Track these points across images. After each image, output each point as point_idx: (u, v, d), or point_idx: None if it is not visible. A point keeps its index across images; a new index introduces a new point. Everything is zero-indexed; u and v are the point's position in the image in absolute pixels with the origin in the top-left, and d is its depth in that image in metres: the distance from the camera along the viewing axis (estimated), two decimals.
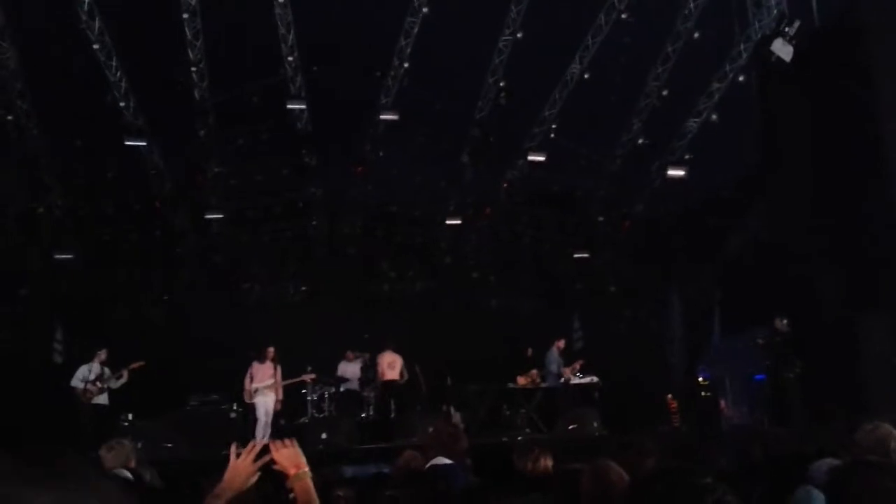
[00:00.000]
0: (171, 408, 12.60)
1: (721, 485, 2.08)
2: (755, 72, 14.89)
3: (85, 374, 11.92)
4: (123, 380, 12.06)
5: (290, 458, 3.39)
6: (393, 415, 12.78)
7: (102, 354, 12.15)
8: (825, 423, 9.93)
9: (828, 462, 4.91)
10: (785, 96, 13.61)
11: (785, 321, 12.06)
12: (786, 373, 11.77)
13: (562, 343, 13.34)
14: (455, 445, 5.27)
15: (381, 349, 13.42)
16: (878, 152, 11.96)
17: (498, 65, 16.17)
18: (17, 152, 15.63)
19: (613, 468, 4.08)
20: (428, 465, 5.15)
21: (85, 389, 11.80)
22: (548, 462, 5.56)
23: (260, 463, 3.43)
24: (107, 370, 12.07)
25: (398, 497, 4.63)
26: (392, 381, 13.06)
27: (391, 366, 13.14)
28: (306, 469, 3.34)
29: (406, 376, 13.21)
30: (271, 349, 12.29)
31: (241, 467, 3.31)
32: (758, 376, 13.22)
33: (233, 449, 3.38)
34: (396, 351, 13.33)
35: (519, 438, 11.04)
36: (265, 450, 3.50)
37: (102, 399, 11.95)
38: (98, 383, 11.89)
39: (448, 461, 5.04)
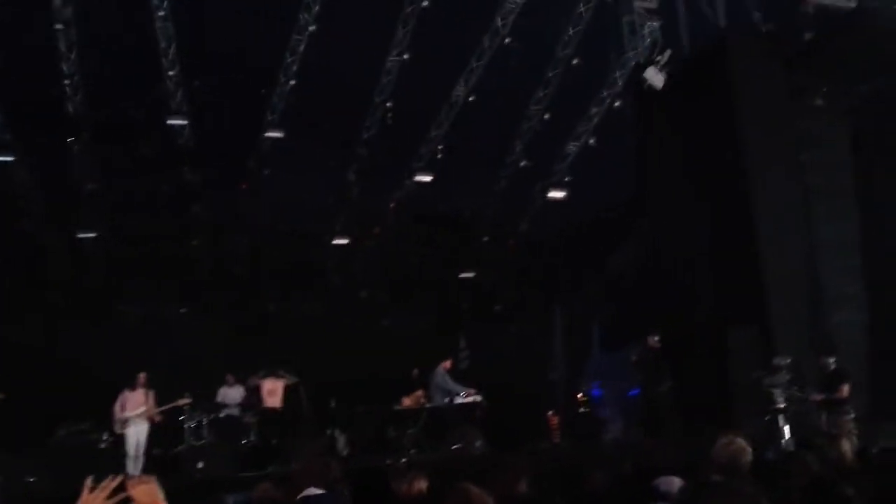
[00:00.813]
0: (38, 439, 11.90)
1: None
2: (630, 98, 15.55)
3: None
4: None
5: (147, 494, 3.30)
6: (275, 440, 12.50)
7: None
8: (695, 436, 10.38)
9: (676, 480, 5.15)
10: (658, 121, 14.25)
11: (657, 338, 12.57)
12: (657, 388, 12.25)
13: (448, 364, 13.42)
14: (327, 474, 5.21)
15: (262, 375, 13.14)
16: (740, 175, 12.71)
17: (385, 84, 16.25)
18: None
19: (473, 491, 4.11)
20: (299, 496, 5.06)
21: None
22: (421, 485, 5.58)
23: (116, 500, 3.31)
24: None
25: None
26: (273, 409, 12.83)
27: (272, 392, 12.90)
28: None
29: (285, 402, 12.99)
30: (142, 375, 11.79)
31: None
32: (632, 391, 13.70)
33: (87, 483, 3.29)
34: (278, 377, 13.09)
35: (402, 461, 11.01)
36: (122, 485, 3.40)
37: None
38: None
39: (319, 491, 4.97)
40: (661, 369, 12.33)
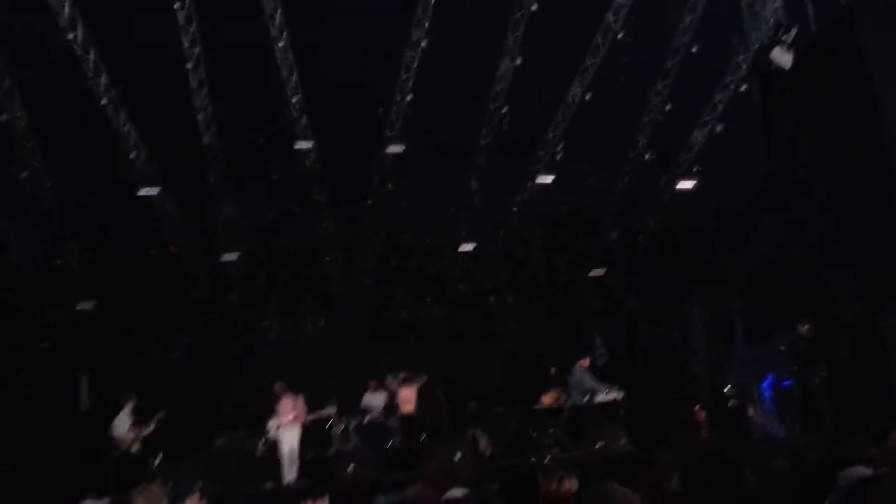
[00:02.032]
0: (199, 448, 12.62)
1: None
2: (756, 81, 14.99)
3: (124, 423, 12.10)
4: (150, 429, 12.22)
5: (150, 501, 3.37)
6: (417, 444, 12.75)
7: (132, 403, 12.33)
8: (855, 429, 9.83)
9: (859, 470, 4.86)
10: (788, 103, 13.67)
11: (807, 326, 12.00)
12: (811, 378, 11.69)
13: (586, 362, 13.27)
14: (462, 474, 5.28)
15: (396, 382, 13.53)
16: (881, 153, 12.00)
17: (499, 91, 16.34)
18: (32, 208, 15.88)
19: (618, 490, 4.03)
20: (444, 497, 5.13)
21: (125, 439, 12.00)
22: (572, 484, 5.52)
23: None
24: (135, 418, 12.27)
25: None
26: (408, 415, 13.16)
27: (406, 401, 13.26)
28: None
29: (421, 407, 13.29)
30: (277, 385, 12.30)
31: None
32: (785, 382, 13.13)
33: None
34: (409, 382, 13.41)
35: (549, 459, 10.99)
36: None
37: (135, 447, 12.17)
38: (134, 432, 12.09)
39: (461, 492, 5.04)
40: (813, 358, 11.75)
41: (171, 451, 12.12)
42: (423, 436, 12.86)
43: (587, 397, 12.73)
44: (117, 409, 12.28)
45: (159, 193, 16.31)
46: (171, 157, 16.10)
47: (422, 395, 13.47)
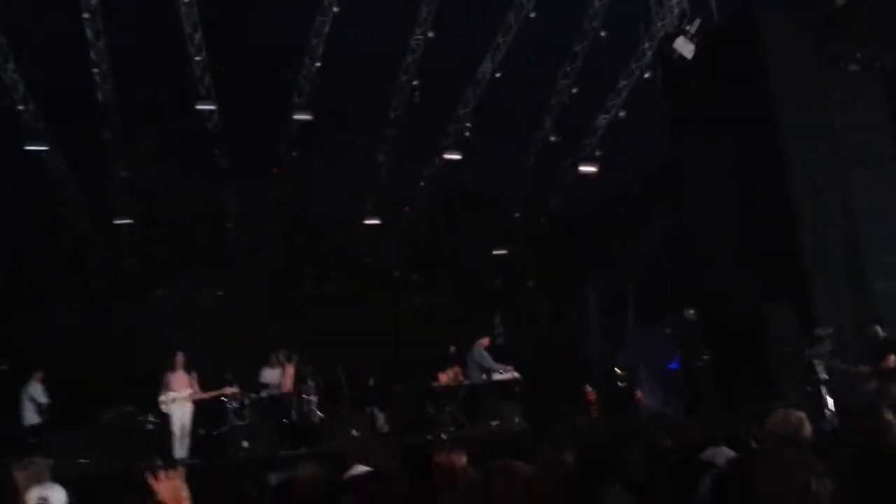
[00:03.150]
0: (85, 421, 12.18)
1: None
2: (660, 68, 15.36)
3: (38, 396, 11.95)
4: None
5: (171, 491, 3.41)
6: (317, 419, 12.68)
7: (40, 375, 12.17)
8: (734, 411, 10.35)
9: (723, 451, 5.11)
10: (689, 91, 14.09)
11: (692, 311, 12.51)
12: (695, 361, 12.22)
13: (485, 341, 13.45)
14: (376, 451, 5.30)
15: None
16: (774, 147, 12.55)
17: (411, 64, 16.20)
18: None
19: (519, 467, 4.13)
20: (348, 474, 5.13)
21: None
22: (460, 457, 5.61)
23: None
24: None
25: None
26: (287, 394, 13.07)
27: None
28: None
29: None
30: (180, 354, 12.02)
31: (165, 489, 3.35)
32: (672, 365, 13.67)
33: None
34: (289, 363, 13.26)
35: (443, 437, 11.12)
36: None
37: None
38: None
39: (365, 469, 5.05)
40: (698, 343, 12.28)
41: (55, 423, 11.68)
42: (321, 414, 12.78)
43: (485, 376, 12.93)
44: (27, 379, 12.12)
45: (49, 151, 15.45)
46: (63, 113, 15.28)
47: (298, 376, 13.29)
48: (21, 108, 14.71)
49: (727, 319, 12.61)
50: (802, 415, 4.60)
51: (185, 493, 3.41)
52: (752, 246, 12.73)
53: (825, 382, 9.82)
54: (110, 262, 17.66)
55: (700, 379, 12.12)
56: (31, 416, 11.98)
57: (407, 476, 5.58)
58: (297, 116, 16.42)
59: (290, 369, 13.12)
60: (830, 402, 9.51)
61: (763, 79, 12.77)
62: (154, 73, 15.33)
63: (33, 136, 15.05)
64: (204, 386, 12.19)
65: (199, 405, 12.10)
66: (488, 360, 13.03)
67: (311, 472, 5.21)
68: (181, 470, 3.53)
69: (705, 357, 12.11)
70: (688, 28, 13.40)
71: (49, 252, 16.97)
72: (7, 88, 14.31)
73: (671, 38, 13.68)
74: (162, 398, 11.81)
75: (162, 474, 3.46)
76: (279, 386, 13.03)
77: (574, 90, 16.90)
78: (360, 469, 5.11)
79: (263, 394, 12.88)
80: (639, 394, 14.90)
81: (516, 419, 12.13)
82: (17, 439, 11.47)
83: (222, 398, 12.45)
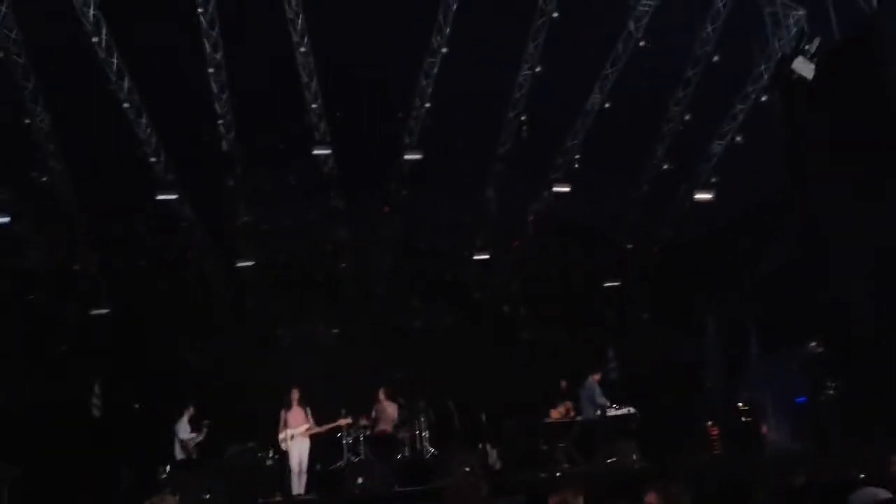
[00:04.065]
0: (209, 457, 12.66)
1: None
2: (778, 91, 14.81)
3: (185, 429, 12.54)
4: (202, 435, 12.61)
5: None
6: (429, 455, 12.68)
7: (191, 410, 12.77)
8: (866, 446, 9.67)
9: (871, 492, 4.75)
10: (809, 113, 13.51)
11: (814, 343, 11.88)
12: (822, 394, 11.55)
13: (598, 376, 13.15)
14: (477, 495, 5.23)
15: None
16: None
17: (518, 99, 16.25)
18: (51, 211, 16.03)
19: None
20: None
21: (188, 444, 12.45)
22: (578, 500, 5.47)
23: None
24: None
25: None
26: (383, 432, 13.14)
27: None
28: None
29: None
30: (295, 391, 12.35)
31: None
32: (799, 399, 12.96)
33: None
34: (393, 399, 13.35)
35: (557, 474, 10.90)
36: None
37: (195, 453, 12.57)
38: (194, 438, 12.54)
39: None
40: (824, 375, 11.60)
41: (180, 461, 12.18)
42: (433, 450, 12.78)
43: (599, 412, 12.62)
44: (178, 416, 12.65)
45: (177, 198, 16.36)
46: (190, 162, 16.17)
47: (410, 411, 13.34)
48: (153, 160, 15.65)
49: (859, 348, 11.85)
50: None
51: None
52: (879, 272, 11.96)
53: None
54: (234, 303, 18.42)
55: (828, 412, 11.42)
56: (178, 453, 12.54)
57: None
58: (408, 156, 16.73)
59: (390, 406, 13.23)
60: None
61: (887, 96, 12.09)
62: (274, 120, 16.04)
63: (165, 186, 15.94)
64: (319, 421, 12.46)
65: (315, 441, 12.35)
66: (601, 396, 12.73)
67: None
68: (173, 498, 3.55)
69: (832, 390, 11.42)
70: (807, 48, 12.96)
71: (179, 295, 17.88)
72: (140, 141, 15.25)
73: (790, 58, 13.25)
74: (281, 436, 12.14)
75: (156, 499, 3.47)
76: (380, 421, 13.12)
77: (687, 117, 16.48)
78: None
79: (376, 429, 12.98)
80: (764, 429, 14.14)
81: (634, 456, 11.77)
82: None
83: (337, 432, 12.68)
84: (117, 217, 16.72)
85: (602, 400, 12.72)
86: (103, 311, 17.08)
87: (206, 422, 12.64)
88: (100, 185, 15.75)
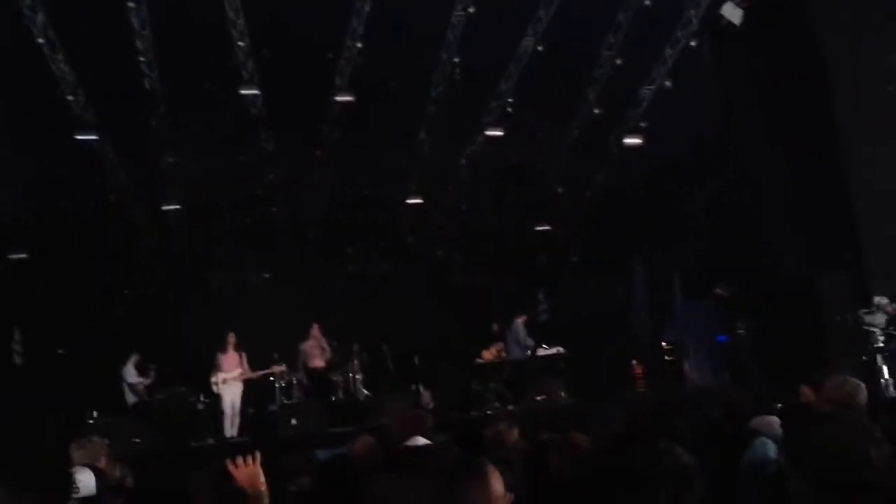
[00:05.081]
0: (139, 402, 12.51)
1: (677, 447, 2.13)
2: (706, 36, 15.02)
3: (131, 374, 12.70)
4: (151, 379, 12.82)
5: (249, 477, 3.48)
6: (362, 397, 12.81)
7: (135, 356, 12.93)
8: (783, 381, 10.14)
9: (771, 419, 5.03)
10: (737, 58, 13.76)
11: (718, 289, 12.34)
12: (734, 334, 12.05)
13: (524, 318, 13.40)
14: (423, 425, 5.30)
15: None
16: (827, 110, 12.18)
17: (451, 41, 16.06)
18: None
19: (578, 438, 4.12)
20: (403, 445, 5.12)
21: (138, 388, 12.67)
22: (513, 433, 5.62)
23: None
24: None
25: (396, 481, 4.58)
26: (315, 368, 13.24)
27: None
28: (263, 489, 3.45)
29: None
30: (231, 336, 12.30)
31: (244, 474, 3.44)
32: (720, 338, 13.47)
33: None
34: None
35: (488, 412, 11.14)
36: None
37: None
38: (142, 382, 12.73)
39: (424, 441, 5.07)
40: (735, 316, 12.10)
41: (108, 405, 12.01)
42: (367, 392, 12.91)
43: (527, 352, 12.90)
44: (122, 362, 12.76)
45: (98, 140, 15.76)
46: (112, 102, 15.55)
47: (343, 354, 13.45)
48: (70, 98, 14.98)
49: (778, 290, 12.34)
50: (858, 381, 4.53)
51: (261, 479, 3.48)
52: (803, 215, 12.42)
53: (882, 351, 9.57)
54: (161, 247, 18.01)
55: (741, 351, 11.93)
56: (129, 397, 12.63)
57: (458, 450, 5.59)
58: (339, 98, 16.43)
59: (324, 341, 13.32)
60: (886, 370, 9.27)
61: (814, 41, 12.40)
62: (199, 59, 15.49)
63: (84, 125, 15.33)
64: (252, 366, 12.42)
65: (248, 385, 12.33)
66: (526, 337, 13.00)
67: (368, 443, 5.24)
68: (258, 456, 3.56)
69: (741, 331, 11.92)
70: None
71: (101, 239, 17.38)
72: (57, 80, 14.57)
73: (718, 4, 13.40)
74: (213, 379, 12.07)
75: (240, 460, 3.52)
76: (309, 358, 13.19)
77: (618, 61, 16.59)
78: (419, 441, 5.12)
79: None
80: (686, 367, 14.71)
81: (562, 394, 12.10)
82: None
83: (270, 377, 12.67)
84: (37, 159, 16.02)
85: (528, 341, 13.01)
86: (22, 256, 16.47)
87: (152, 366, 12.77)
88: (16, 125, 15.04)
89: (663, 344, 14.88)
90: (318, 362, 13.04)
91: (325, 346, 13.04)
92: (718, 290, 12.43)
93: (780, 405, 5.82)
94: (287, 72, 15.85)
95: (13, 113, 14.81)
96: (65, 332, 14.92)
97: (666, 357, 14.57)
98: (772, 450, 4.53)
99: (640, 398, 12.98)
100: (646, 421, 6.95)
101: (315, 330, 13.00)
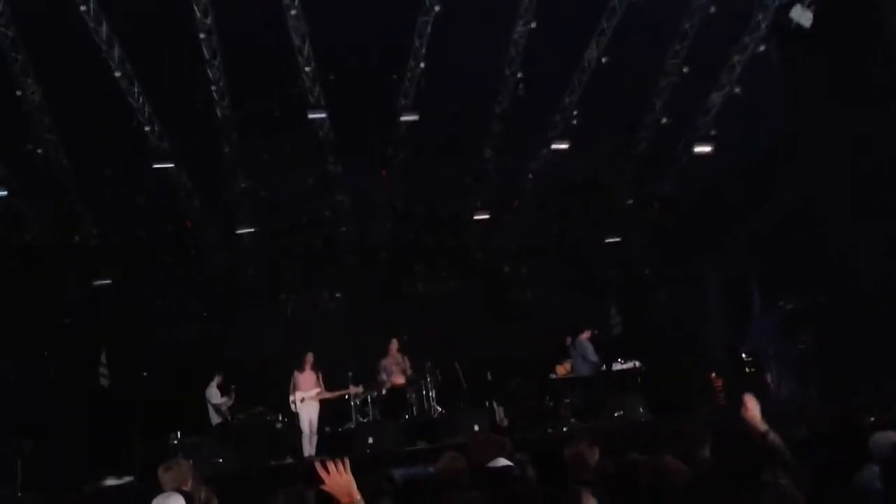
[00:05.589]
0: (221, 422, 12.78)
1: (781, 478, 2.08)
2: (775, 40, 14.68)
3: (216, 395, 13.06)
4: (232, 400, 13.17)
5: (343, 486, 3.34)
6: (437, 414, 12.82)
7: (219, 377, 13.33)
8: (869, 396, 9.76)
9: (892, 435, 4.78)
10: (807, 62, 13.42)
11: (783, 302, 11.97)
12: (799, 346, 11.67)
13: (587, 334, 13.21)
14: (504, 448, 5.26)
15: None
16: None
17: (514, 56, 16.06)
18: (48, 185, 15.94)
19: (671, 462, 4.01)
20: (488, 465, 5.09)
21: (223, 409, 13.00)
22: (594, 452, 5.50)
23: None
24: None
25: (474, 499, 4.55)
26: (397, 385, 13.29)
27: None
28: (359, 498, 3.32)
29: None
30: (309, 355, 12.48)
31: (337, 483, 3.32)
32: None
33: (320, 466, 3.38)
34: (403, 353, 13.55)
35: (564, 429, 11.00)
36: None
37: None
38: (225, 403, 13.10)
39: (506, 462, 5.04)
40: (795, 331, 11.72)
41: (189, 426, 12.30)
42: (440, 409, 12.91)
43: (594, 369, 12.72)
44: (206, 382, 13.16)
45: (174, 167, 16.26)
46: (186, 130, 16.03)
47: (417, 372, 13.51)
48: (147, 128, 15.51)
49: (854, 301, 11.91)
50: None
51: (354, 488, 3.34)
52: (879, 222, 11.97)
53: None
54: (235, 271, 18.43)
55: (805, 363, 11.54)
56: (213, 417, 12.98)
57: (536, 471, 5.51)
58: (404, 118, 16.58)
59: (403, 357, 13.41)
60: None
61: (886, 43, 12.01)
62: (267, 86, 15.85)
63: (160, 154, 15.83)
64: (327, 385, 12.58)
65: (324, 404, 12.48)
66: (593, 354, 12.81)
67: (456, 461, 5.20)
68: (348, 463, 3.43)
69: (801, 346, 11.53)
70: None
71: (180, 265, 17.89)
72: (134, 111, 15.10)
73: (787, 7, 13.11)
74: (292, 398, 12.27)
75: (331, 465, 3.38)
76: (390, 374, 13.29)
77: (685, 69, 16.33)
78: (501, 462, 5.09)
79: (384, 390, 13.11)
80: (768, 377, 14.26)
81: (640, 409, 11.87)
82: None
83: (346, 396, 12.80)
84: (115, 188, 16.62)
85: (594, 357, 12.81)
86: (105, 283, 17.08)
87: (233, 386, 13.15)
88: (95, 156, 15.63)
89: (743, 355, 14.46)
90: (399, 378, 13.16)
91: (402, 361, 13.15)
92: (782, 304, 12.10)
93: (873, 419, 5.60)
94: (352, 94, 16.07)
95: (94, 146, 15.41)
96: (147, 356, 15.35)
97: (746, 369, 14.15)
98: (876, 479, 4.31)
99: (724, 414, 12.61)
100: (732, 439, 6.71)
101: (393, 346, 13.14)
